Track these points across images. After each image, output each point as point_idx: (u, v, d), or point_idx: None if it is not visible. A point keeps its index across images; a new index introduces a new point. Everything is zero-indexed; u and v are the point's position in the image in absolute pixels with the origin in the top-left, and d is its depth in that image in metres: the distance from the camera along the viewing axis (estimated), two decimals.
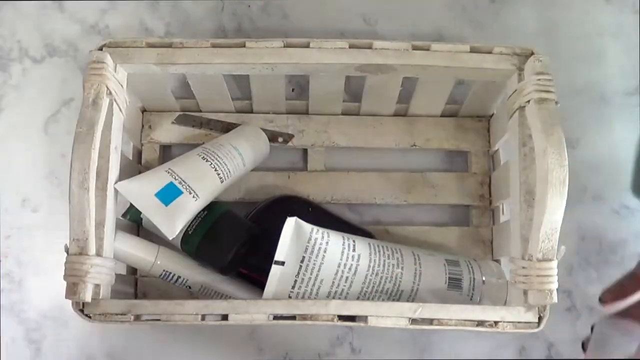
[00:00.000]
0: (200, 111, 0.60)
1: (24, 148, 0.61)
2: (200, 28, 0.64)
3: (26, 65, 0.63)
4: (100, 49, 0.48)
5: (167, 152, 0.61)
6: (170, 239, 0.48)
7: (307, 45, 0.49)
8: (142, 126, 0.59)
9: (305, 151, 0.60)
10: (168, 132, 0.59)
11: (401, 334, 0.57)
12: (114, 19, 0.64)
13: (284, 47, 0.48)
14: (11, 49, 0.63)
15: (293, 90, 0.62)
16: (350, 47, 0.49)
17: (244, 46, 0.48)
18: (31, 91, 0.62)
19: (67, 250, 0.44)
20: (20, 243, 0.59)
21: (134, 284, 0.57)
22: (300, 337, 0.57)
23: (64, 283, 0.44)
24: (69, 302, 0.44)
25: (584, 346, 0.43)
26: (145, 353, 0.57)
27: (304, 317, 0.44)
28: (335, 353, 0.57)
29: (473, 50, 0.49)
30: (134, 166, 0.57)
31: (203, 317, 0.45)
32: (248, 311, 0.44)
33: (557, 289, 0.44)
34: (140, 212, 0.49)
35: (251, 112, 0.60)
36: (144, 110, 0.60)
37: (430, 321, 0.45)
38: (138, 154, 0.59)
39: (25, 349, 0.57)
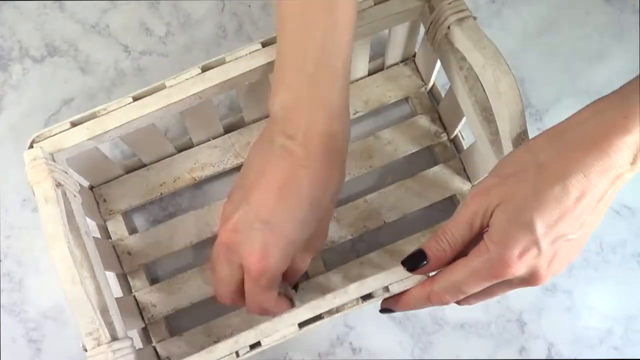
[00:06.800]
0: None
1: (24, 148, 0.60)
2: (201, 28, 0.64)
3: (26, 65, 0.63)
4: (31, 146, 0.46)
5: (129, 217, 0.59)
6: None
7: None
8: (97, 202, 0.57)
9: None
10: (122, 198, 0.57)
11: (402, 334, 0.57)
12: (115, 19, 0.64)
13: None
14: (11, 49, 0.63)
15: None
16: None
17: (165, 87, 0.47)
18: (31, 91, 0.62)
19: (84, 349, 0.43)
20: (20, 243, 0.59)
21: (155, 353, 0.55)
22: (300, 337, 0.57)
23: None
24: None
25: None
26: None
27: (330, 313, 0.44)
28: (335, 353, 0.57)
29: (377, 2, 0.48)
30: (107, 243, 0.56)
31: (237, 354, 0.44)
32: (277, 329, 0.43)
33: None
34: None
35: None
36: (91, 187, 0.57)
37: None
38: (104, 229, 0.57)
39: (25, 348, 0.57)
